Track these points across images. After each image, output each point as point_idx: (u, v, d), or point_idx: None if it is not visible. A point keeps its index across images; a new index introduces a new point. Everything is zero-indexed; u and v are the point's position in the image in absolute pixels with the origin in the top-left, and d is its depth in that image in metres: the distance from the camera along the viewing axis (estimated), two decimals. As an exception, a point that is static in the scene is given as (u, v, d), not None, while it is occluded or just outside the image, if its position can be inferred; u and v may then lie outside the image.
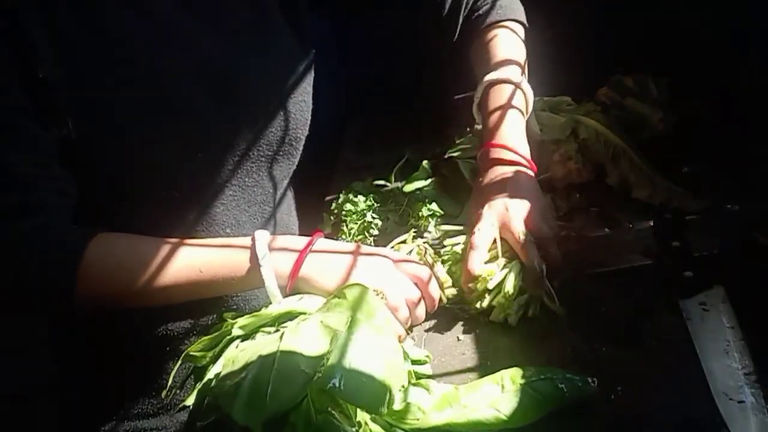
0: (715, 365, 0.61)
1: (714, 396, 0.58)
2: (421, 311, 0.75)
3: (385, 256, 0.75)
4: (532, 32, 1.01)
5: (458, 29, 0.97)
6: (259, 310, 0.70)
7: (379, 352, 0.58)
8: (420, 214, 0.94)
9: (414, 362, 0.68)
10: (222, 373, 0.60)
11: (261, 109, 0.82)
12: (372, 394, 0.55)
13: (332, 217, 0.99)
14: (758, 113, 0.96)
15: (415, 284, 0.75)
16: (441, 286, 0.78)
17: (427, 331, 0.77)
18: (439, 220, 0.94)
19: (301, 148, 0.88)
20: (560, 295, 0.77)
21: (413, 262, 0.77)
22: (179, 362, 0.68)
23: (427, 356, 0.70)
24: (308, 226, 0.98)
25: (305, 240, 0.75)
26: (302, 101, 0.86)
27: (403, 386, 0.60)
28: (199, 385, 0.61)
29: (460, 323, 0.76)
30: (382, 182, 1.03)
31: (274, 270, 0.72)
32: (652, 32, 1.20)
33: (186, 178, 0.77)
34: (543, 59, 1.01)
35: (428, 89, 1.42)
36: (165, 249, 0.73)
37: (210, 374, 0.61)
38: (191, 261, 0.73)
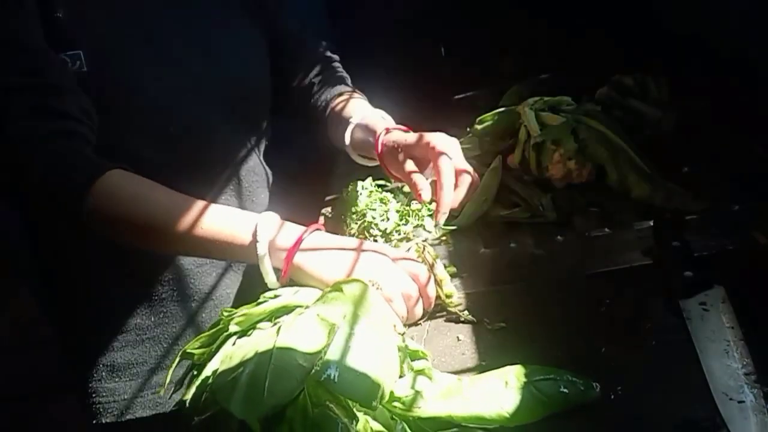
0: (715, 365, 0.61)
1: (714, 396, 0.58)
2: (418, 308, 0.75)
3: (382, 252, 0.75)
4: (532, 31, 1.01)
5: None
6: (255, 303, 0.70)
7: (375, 346, 0.59)
8: (420, 214, 0.94)
9: (413, 356, 0.68)
10: (219, 369, 0.60)
11: (226, 61, 0.96)
12: (365, 388, 0.56)
13: (332, 217, 0.99)
14: (758, 113, 0.96)
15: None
16: (439, 284, 0.77)
17: (427, 331, 0.77)
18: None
19: (264, 102, 1.04)
20: (560, 295, 0.77)
21: (411, 260, 0.77)
22: (177, 359, 0.69)
23: (423, 351, 0.70)
24: (308, 226, 0.98)
25: (303, 229, 0.76)
26: (259, 63, 1.03)
27: (402, 375, 0.61)
28: (197, 381, 0.61)
29: (460, 323, 0.76)
30: (382, 182, 1.03)
31: (270, 247, 0.73)
32: (652, 32, 1.20)
33: (179, 114, 0.90)
34: (543, 59, 1.01)
35: (428, 89, 1.43)
36: (175, 198, 0.77)
37: (207, 370, 0.61)
38: (197, 217, 0.75)
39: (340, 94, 1.08)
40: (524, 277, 0.81)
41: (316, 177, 1.27)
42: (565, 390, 0.60)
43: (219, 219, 0.76)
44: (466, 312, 0.76)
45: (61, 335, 1.01)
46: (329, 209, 1.03)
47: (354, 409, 0.56)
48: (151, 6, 0.90)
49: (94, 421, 0.97)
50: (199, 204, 0.77)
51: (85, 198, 0.74)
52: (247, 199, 1.01)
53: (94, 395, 0.96)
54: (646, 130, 0.99)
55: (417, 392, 0.60)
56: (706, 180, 0.90)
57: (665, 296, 0.71)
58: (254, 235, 0.73)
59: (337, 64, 1.14)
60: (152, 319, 0.95)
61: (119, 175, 0.77)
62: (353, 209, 0.93)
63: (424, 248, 0.79)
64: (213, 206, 0.77)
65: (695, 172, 0.93)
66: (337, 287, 0.65)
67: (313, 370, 0.55)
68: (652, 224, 0.83)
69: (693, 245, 0.77)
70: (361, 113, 1.01)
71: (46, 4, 0.80)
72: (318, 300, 0.66)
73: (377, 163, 0.97)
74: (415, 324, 0.77)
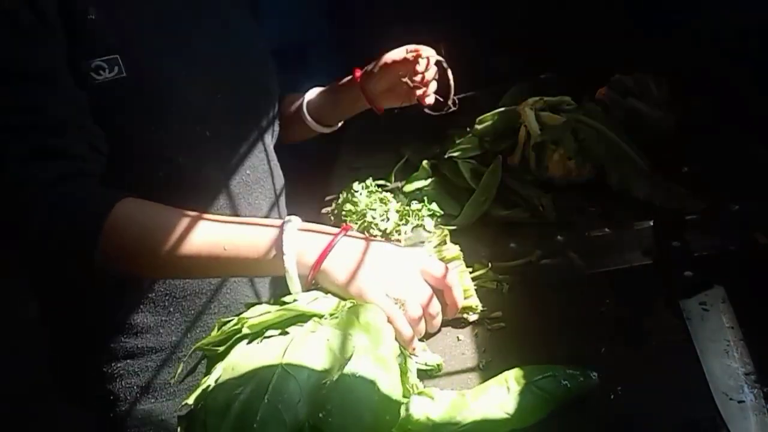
0: (715, 365, 0.61)
1: (714, 396, 0.58)
2: (437, 321, 0.74)
3: (413, 259, 0.73)
4: (532, 32, 1.01)
5: None
6: (275, 302, 0.69)
7: (375, 388, 0.57)
8: (420, 213, 0.94)
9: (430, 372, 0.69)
10: (221, 379, 0.59)
11: (246, 60, 0.96)
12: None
13: (332, 217, 0.99)
14: (758, 113, 0.96)
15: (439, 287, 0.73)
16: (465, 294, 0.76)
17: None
18: (439, 220, 0.94)
19: (275, 100, 1.05)
20: (560, 295, 0.77)
21: (442, 265, 0.74)
22: (191, 351, 0.68)
23: (438, 364, 0.70)
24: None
25: (334, 231, 0.72)
26: (270, 61, 1.03)
27: (406, 396, 0.61)
28: (197, 391, 0.60)
29: (461, 324, 0.76)
30: (382, 182, 1.02)
31: (297, 258, 0.70)
32: (652, 32, 1.20)
33: (213, 115, 0.87)
34: (543, 59, 1.01)
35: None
36: (190, 221, 0.73)
37: (211, 378, 0.61)
38: (216, 236, 0.72)
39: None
40: (524, 277, 0.81)
41: (316, 177, 1.27)
42: (566, 383, 0.60)
43: (241, 236, 0.72)
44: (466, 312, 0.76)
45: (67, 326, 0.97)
46: (329, 209, 1.02)
47: None
48: (172, 5, 0.88)
49: (106, 413, 0.92)
50: (216, 222, 0.73)
51: (98, 238, 0.70)
52: (254, 192, 1.00)
53: (110, 380, 0.91)
54: (646, 130, 0.99)
55: (424, 415, 0.59)
56: (706, 180, 0.90)
57: (665, 296, 0.71)
58: (279, 248, 0.70)
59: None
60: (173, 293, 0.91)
61: (127, 206, 0.73)
62: (353, 209, 0.93)
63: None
64: (232, 224, 0.74)
65: (695, 172, 0.93)
66: (354, 311, 0.64)
67: (306, 414, 0.54)
68: (652, 224, 0.83)
69: (693, 245, 0.77)
70: (315, 90, 1.10)
71: (76, 8, 0.75)
72: (333, 316, 0.65)
73: (333, 128, 1.10)
74: (432, 336, 0.76)
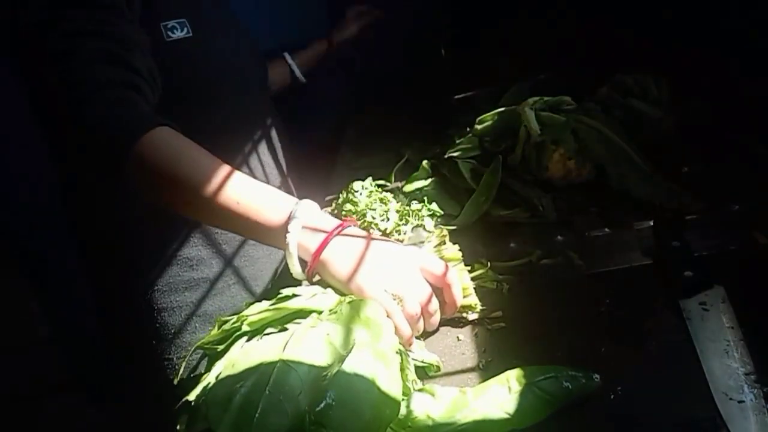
0: (715, 365, 0.61)
1: (714, 396, 0.58)
2: (436, 319, 0.74)
3: (412, 257, 0.73)
4: (532, 31, 1.01)
5: None
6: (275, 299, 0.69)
7: (375, 382, 0.57)
8: (420, 214, 0.94)
9: (428, 370, 0.69)
10: (221, 376, 0.60)
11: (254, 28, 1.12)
12: (357, 427, 0.55)
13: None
14: (758, 113, 0.96)
15: (438, 286, 0.73)
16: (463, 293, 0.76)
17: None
18: (439, 220, 0.94)
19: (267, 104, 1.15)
20: (560, 295, 0.77)
21: (441, 263, 0.75)
22: (192, 350, 0.69)
23: (437, 366, 0.70)
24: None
25: (338, 223, 0.73)
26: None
27: (406, 395, 0.60)
28: (197, 388, 0.60)
29: (460, 323, 0.76)
30: (382, 182, 1.02)
31: (299, 239, 0.71)
32: (652, 32, 1.20)
33: (254, 83, 1.06)
34: (543, 59, 1.01)
35: (428, 89, 1.43)
36: (217, 166, 0.75)
37: (211, 375, 0.61)
38: (232, 189, 0.74)
39: None
40: (524, 277, 0.81)
41: (316, 177, 1.27)
42: (568, 384, 0.60)
43: (256, 195, 0.74)
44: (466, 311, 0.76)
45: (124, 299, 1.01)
46: (329, 209, 1.02)
47: None
48: None
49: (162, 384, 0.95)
50: (240, 176, 0.75)
51: (133, 146, 0.73)
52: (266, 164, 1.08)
53: (169, 313, 0.96)
54: (646, 130, 0.98)
55: (424, 412, 0.59)
56: (706, 180, 0.90)
57: (665, 296, 0.71)
58: (288, 218, 0.71)
59: None
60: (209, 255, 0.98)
61: (169, 132, 0.76)
62: (353, 209, 0.93)
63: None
64: (253, 181, 0.76)
65: (695, 172, 0.93)
66: (354, 306, 0.64)
67: (307, 406, 0.54)
68: (652, 224, 0.83)
69: (693, 245, 0.77)
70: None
71: None
72: (333, 311, 0.65)
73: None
74: (431, 335, 0.76)
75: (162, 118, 0.77)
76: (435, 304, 0.73)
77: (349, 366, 0.57)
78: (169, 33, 0.89)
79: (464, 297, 0.76)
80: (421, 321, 0.72)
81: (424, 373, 0.70)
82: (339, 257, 0.71)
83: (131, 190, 0.78)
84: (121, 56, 0.78)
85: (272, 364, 0.57)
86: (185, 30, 0.90)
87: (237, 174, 0.75)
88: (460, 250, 0.79)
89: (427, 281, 0.73)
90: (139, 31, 0.84)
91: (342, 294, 0.70)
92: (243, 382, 0.57)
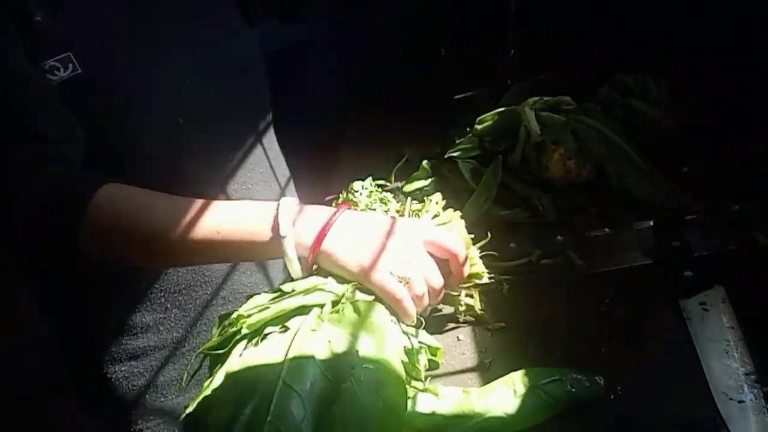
0: (715, 365, 0.61)
1: (714, 396, 0.58)
2: (441, 295, 0.71)
3: (415, 231, 0.70)
4: (533, 32, 1.01)
5: None
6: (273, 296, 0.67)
7: (381, 395, 0.56)
8: (420, 213, 0.94)
9: (432, 351, 0.68)
10: (221, 390, 0.58)
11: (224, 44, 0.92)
12: None
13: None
14: (758, 113, 0.96)
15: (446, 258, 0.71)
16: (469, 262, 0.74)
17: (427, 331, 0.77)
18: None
19: (262, 83, 1.00)
20: (560, 295, 0.77)
21: (446, 233, 0.71)
22: (194, 356, 0.67)
23: (438, 355, 0.69)
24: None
25: (332, 211, 0.69)
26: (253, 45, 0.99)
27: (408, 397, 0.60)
28: (198, 397, 0.59)
29: (460, 323, 0.76)
30: (382, 182, 1.02)
31: (295, 239, 0.67)
32: (652, 32, 1.20)
33: (186, 103, 0.83)
34: (543, 59, 1.01)
35: (428, 89, 1.43)
36: (182, 204, 0.69)
37: (211, 384, 0.60)
38: (208, 218, 0.68)
39: None
40: (524, 277, 0.81)
41: (316, 177, 1.27)
42: (572, 389, 0.60)
43: (233, 216, 0.69)
44: (466, 310, 0.76)
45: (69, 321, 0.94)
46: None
47: None
48: None
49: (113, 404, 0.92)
50: (206, 204, 0.70)
51: (82, 218, 0.67)
52: (253, 191, 0.98)
53: (116, 383, 0.91)
54: (646, 130, 0.98)
55: (429, 412, 0.59)
56: (706, 180, 0.90)
57: (665, 296, 0.71)
58: (275, 228, 0.66)
59: None
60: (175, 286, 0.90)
61: (115, 187, 0.70)
62: (353, 209, 0.93)
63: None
64: (222, 204, 0.70)
65: (695, 172, 0.93)
66: (356, 309, 0.63)
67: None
68: (652, 224, 0.83)
69: (693, 245, 0.77)
70: None
71: (23, 11, 0.72)
72: (335, 308, 0.64)
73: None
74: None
75: (98, 176, 0.71)
76: (440, 281, 0.69)
77: (353, 381, 0.56)
78: (51, 75, 0.73)
79: (470, 266, 0.74)
80: (426, 297, 0.68)
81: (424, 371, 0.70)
82: (340, 246, 0.67)
83: (95, 260, 0.71)
84: (33, 132, 0.69)
85: (273, 384, 0.55)
86: (70, 67, 0.73)
87: (205, 203, 0.70)
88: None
89: (432, 254, 0.70)
90: (36, 85, 0.72)
91: (344, 281, 0.67)
92: (243, 408, 0.55)
